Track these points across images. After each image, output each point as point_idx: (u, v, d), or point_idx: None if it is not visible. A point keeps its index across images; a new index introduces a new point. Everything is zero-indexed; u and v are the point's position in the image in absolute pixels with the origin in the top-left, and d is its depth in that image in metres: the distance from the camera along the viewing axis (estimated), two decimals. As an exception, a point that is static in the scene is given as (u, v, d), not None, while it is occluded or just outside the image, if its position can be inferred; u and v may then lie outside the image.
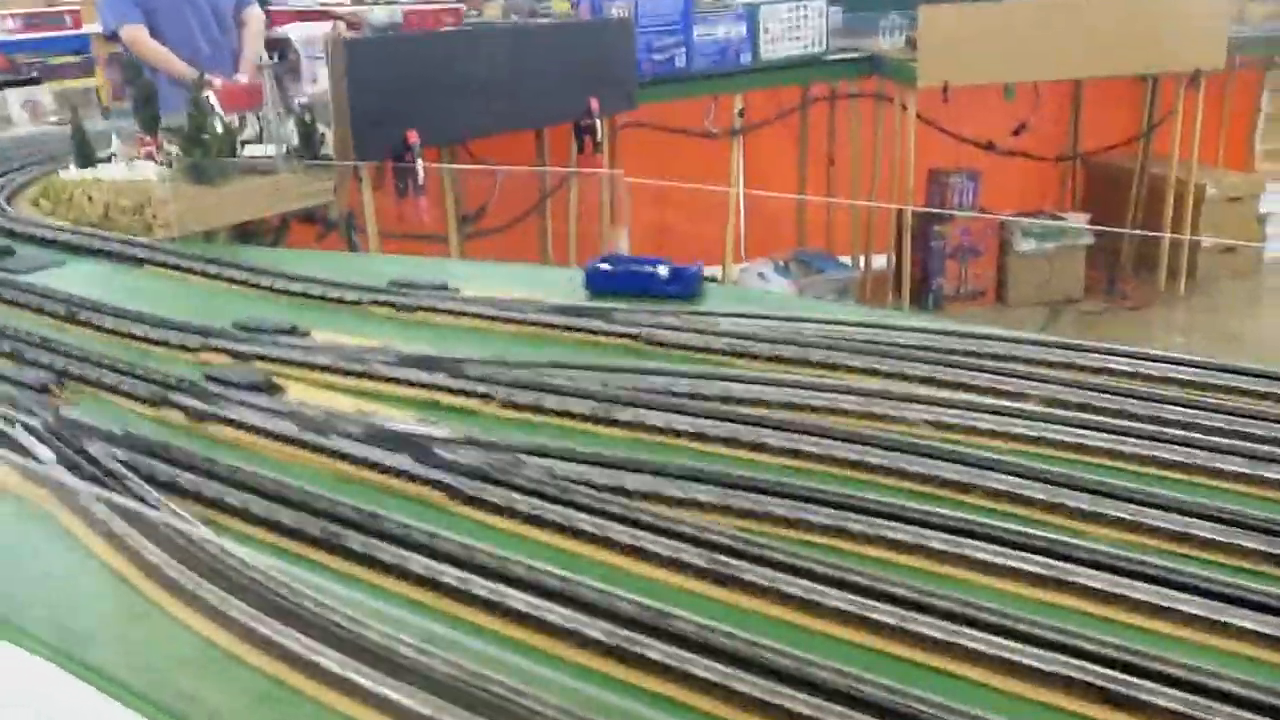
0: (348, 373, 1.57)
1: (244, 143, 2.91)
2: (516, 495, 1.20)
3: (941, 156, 5.82)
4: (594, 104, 4.46)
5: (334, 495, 1.21)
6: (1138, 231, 5.95)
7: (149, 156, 3.00)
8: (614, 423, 1.40)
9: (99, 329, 1.85)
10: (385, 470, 1.28)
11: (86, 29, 6.77)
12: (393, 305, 1.88)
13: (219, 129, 2.56)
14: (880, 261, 6.01)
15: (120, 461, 1.31)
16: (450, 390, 1.51)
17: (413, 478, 1.25)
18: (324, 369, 1.59)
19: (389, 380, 1.55)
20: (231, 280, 2.09)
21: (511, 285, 1.96)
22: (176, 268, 2.18)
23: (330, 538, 1.14)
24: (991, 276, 5.85)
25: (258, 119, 3.18)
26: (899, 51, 5.66)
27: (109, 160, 2.98)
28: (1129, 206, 6.13)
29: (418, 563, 1.07)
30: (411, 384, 1.53)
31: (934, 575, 1.03)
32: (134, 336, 1.79)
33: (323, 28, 5.91)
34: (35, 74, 6.32)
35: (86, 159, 2.86)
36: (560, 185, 4.89)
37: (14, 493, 1.30)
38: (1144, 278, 5.93)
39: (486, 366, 1.57)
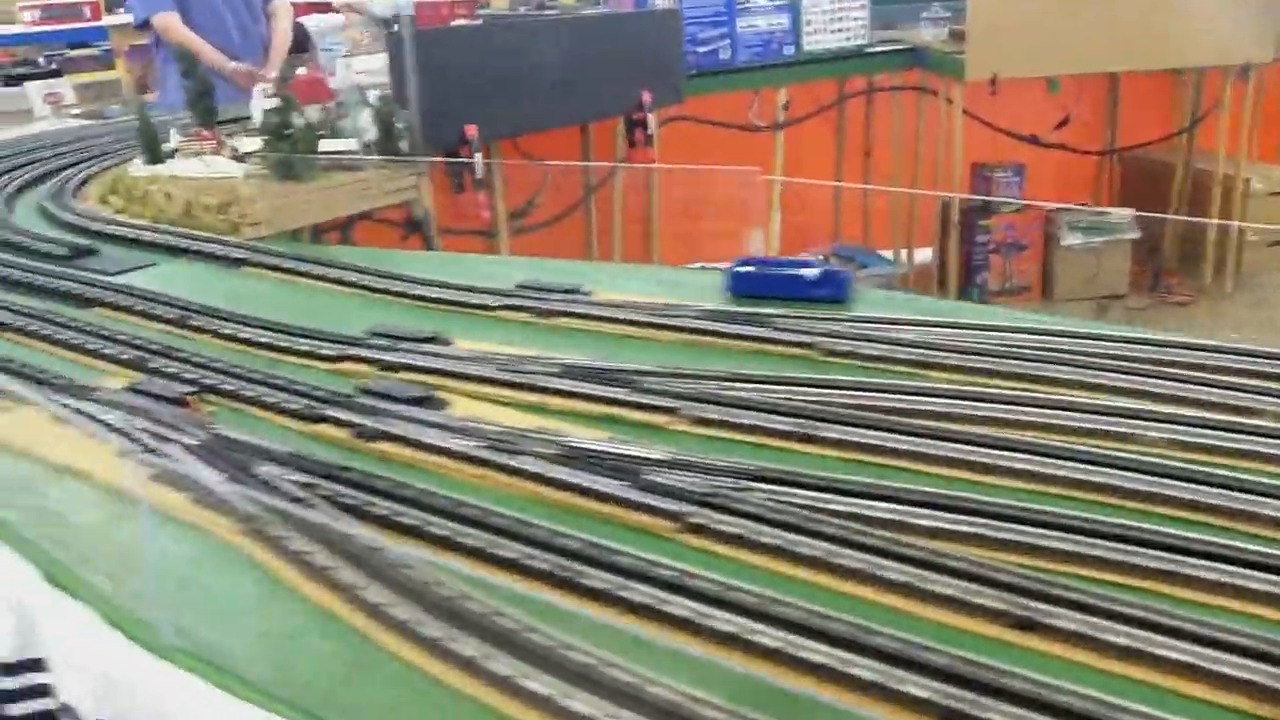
0: (510, 384, 1.46)
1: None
2: (750, 524, 1.10)
3: (980, 150, 5.72)
4: (646, 97, 4.36)
5: (551, 524, 1.10)
6: (1197, 219, 5.84)
7: (215, 151, 2.90)
8: (819, 440, 1.29)
9: (217, 335, 1.73)
10: (596, 495, 1.17)
11: (106, 21, 6.64)
12: (528, 310, 1.77)
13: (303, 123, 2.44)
14: (920, 256, 5.92)
15: (298, 484, 1.20)
16: (627, 404, 1.40)
17: (630, 504, 1.15)
18: (483, 380, 1.48)
19: (556, 393, 1.44)
20: (342, 283, 1.97)
21: (645, 287, 1.86)
22: (279, 269, 2.07)
23: (561, 572, 1.03)
24: (1036, 271, 5.76)
25: (324, 111, 3.07)
26: (942, 43, 5.56)
27: (171, 155, 2.86)
28: (1169, 201, 6.04)
29: (678, 604, 0.96)
30: (583, 397, 1.42)
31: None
32: (258, 344, 1.68)
33: (334, 20, 5.81)
34: (55, 66, 6.18)
35: (155, 155, 2.75)
36: (607, 181, 4.77)
37: (185, 519, 1.19)
38: (1188, 272, 5.84)
39: (659, 378, 1.46)
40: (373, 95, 2.79)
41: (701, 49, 5.01)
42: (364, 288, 1.93)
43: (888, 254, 5.94)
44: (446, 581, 0.99)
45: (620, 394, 1.42)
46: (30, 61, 6.30)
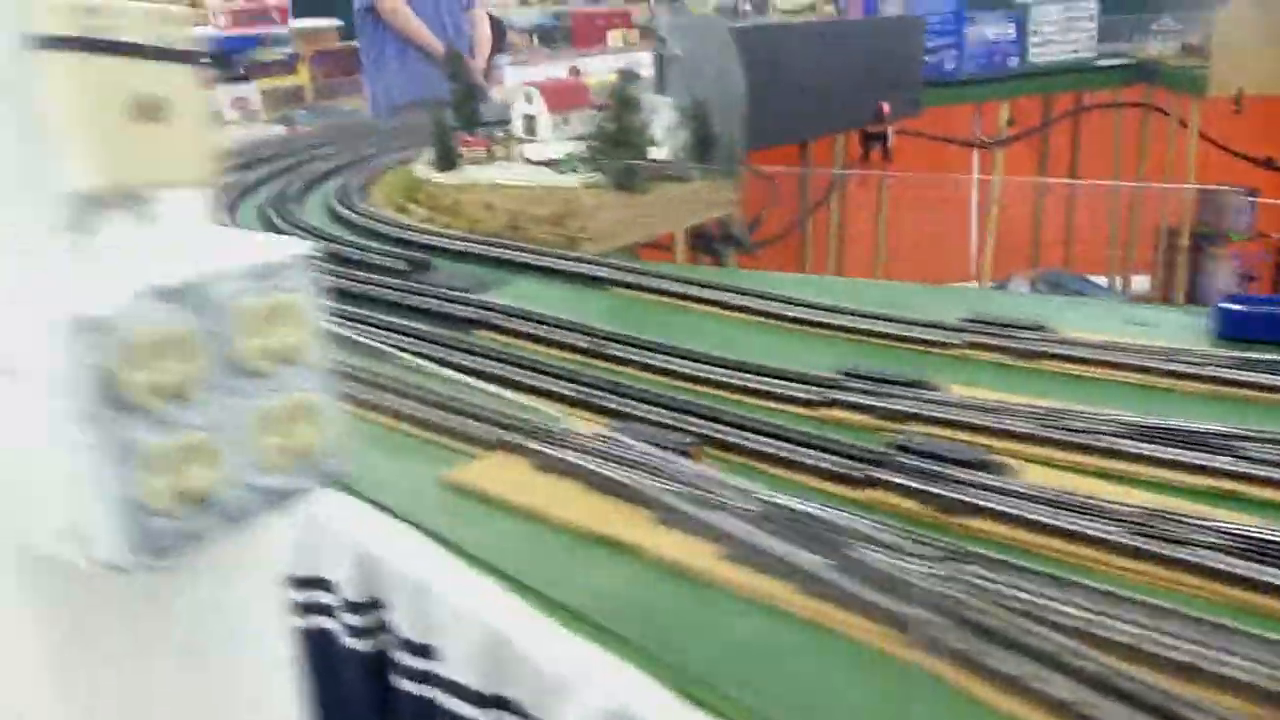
0: (1072, 446, 1.21)
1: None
2: None
3: (1205, 172, 5.35)
4: (885, 108, 4.11)
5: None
6: None
7: (489, 156, 2.74)
8: None
9: (648, 368, 1.51)
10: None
11: (292, 25, 6.59)
12: (997, 349, 1.52)
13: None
14: (1136, 284, 5.56)
15: (930, 576, 0.96)
16: (1238, 476, 1.14)
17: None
18: (1033, 440, 1.23)
19: (1143, 460, 1.18)
20: (745, 310, 1.74)
21: (1112, 325, 1.60)
22: (650, 290, 1.85)
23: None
24: (1266, 306, 5.34)
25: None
26: (1175, 57, 5.21)
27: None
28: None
29: None
30: (1183, 467, 1.16)
31: None
32: (713, 383, 1.45)
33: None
34: (244, 71, 6.14)
35: (449, 161, 2.57)
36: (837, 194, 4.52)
37: (796, 611, 0.96)
38: None
39: (1249, 443, 1.20)
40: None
41: (928, 59, 4.74)
42: (772, 316, 1.70)
43: (1100, 280, 5.58)
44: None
45: (1222, 462, 1.16)
46: (219, 65, 6.26)
